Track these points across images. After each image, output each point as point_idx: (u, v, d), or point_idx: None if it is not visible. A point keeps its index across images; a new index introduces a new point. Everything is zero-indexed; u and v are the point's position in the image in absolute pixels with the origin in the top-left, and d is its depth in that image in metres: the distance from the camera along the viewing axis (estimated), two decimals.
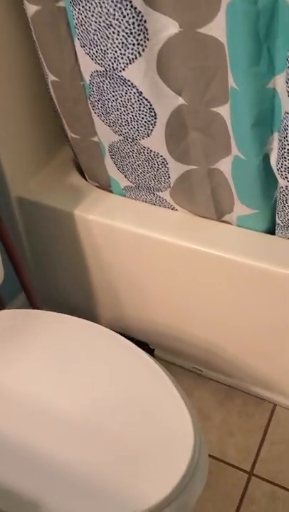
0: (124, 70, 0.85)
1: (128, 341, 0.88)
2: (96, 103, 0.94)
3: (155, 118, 0.90)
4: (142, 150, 0.97)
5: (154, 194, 1.05)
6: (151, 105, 0.88)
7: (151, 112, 0.89)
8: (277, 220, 0.96)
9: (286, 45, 0.72)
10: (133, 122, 0.92)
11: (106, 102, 0.92)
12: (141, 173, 1.02)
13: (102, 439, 0.75)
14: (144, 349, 1.21)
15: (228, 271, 0.97)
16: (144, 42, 0.80)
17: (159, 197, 1.05)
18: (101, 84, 0.90)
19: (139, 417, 0.76)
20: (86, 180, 1.16)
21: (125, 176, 1.05)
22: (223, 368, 1.15)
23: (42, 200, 1.11)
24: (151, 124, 0.91)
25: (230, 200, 0.99)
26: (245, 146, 0.85)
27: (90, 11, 0.80)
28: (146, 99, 0.88)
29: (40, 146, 1.16)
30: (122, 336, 0.88)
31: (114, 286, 1.16)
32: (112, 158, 1.03)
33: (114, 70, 0.86)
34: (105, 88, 0.90)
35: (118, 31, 0.80)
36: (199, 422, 0.79)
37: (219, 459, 1.04)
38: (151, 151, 0.96)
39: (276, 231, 0.98)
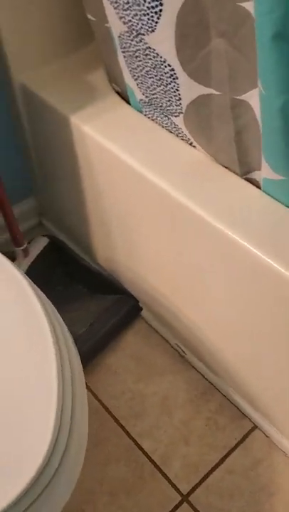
0: None
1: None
2: None
3: (160, 3, 0.61)
4: (148, 51, 0.68)
5: (168, 118, 0.78)
6: None
7: None
8: None
9: None
10: (134, 6, 0.64)
11: None
12: (151, 84, 0.74)
13: None
14: (133, 305, 1.01)
15: (228, 252, 0.69)
16: None
17: (174, 123, 0.77)
18: None
19: None
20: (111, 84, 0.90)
21: (137, 85, 0.78)
22: (208, 360, 0.91)
23: (43, 94, 0.88)
24: (156, 13, 0.62)
25: (259, 153, 0.69)
26: (265, 72, 0.54)
27: None
28: None
29: (65, 29, 0.91)
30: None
31: (107, 221, 0.93)
32: (124, 56, 0.76)
33: None
34: None
35: None
36: (82, 388, 0.58)
37: (158, 466, 0.84)
38: (157, 54, 0.67)
39: None
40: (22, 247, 0.96)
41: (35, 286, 0.65)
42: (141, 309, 1.00)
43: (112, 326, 0.97)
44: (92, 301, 1.02)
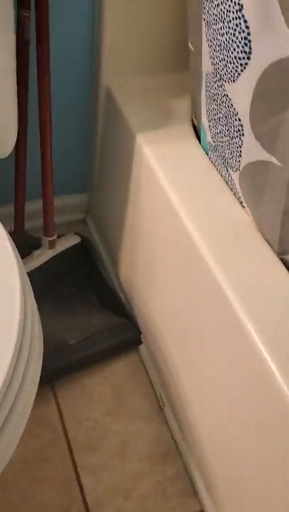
0: None
1: None
2: (205, 3, 0.63)
3: (248, 57, 0.57)
4: (224, 98, 0.65)
5: (227, 169, 0.73)
6: (248, 34, 0.55)
7: (245, 45, 0.56)
8: None
9: None
10: (224, 51, 0.60)
11: (211, 5, 0.61)
12: (220, 131, 0.70)
13: None
14: (134, 335, 0.97)
15: (233, 336, 0.64)
16: None
17: (231, 177, 0.73)
18: None
19: None
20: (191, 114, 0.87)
21: (209, 127, 0.74)
22: (183, 424, 0.85)
23: (122, 104, 0.87)
24: (241, 65, 0.58)
25: None
26: None
27: None
28: (245, 22, 0.55)
29: (165, 49, 0.89)
30: None
31: (136, 244, 0.90)
32: (205, 94, 0.73)
33: None
34: None
35: None
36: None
37: (88, 509, 0.80)
38: (232, 105, 0.63)
39: None
40: (50, 238, 0.95)
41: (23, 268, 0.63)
42: (140, 343, 0.96)
43: (105, 347, 0.94)
44: (97, 314, 0.99)
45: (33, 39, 0.78)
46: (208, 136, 0.77)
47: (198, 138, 0.83)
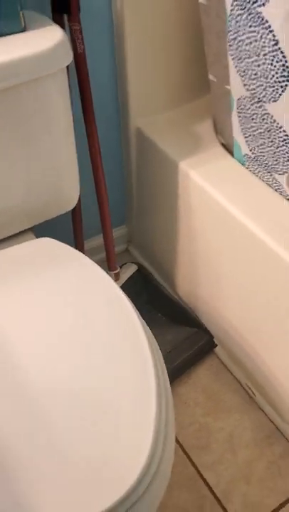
0: (263, 4, 0.64)
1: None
2: (232, 42, 0.74)
3: (287, 80, 0.68)
4: (265, 116, 0.76)
5: (271, 174, 0.84)
6: (286, 62, 0.66)
7: (284, 70, 0.67)
8: None
9: None
10: (262, 78, 0.71)
11: (240, 43, 0.72)
12: (261, 144, 0.81)
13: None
14: (208, 341, 1.06)
15: None
16: None
17: (276, 180, 0.83)
18: (239, 18, 0.70)
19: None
20: (216, 134, 0.98)
21: (246, 142, 0.85)
22: (277, 405, 0.94)
23: (155, 139, 0.98)
24: (281, 87, 0.69)
25: None
26: None
27: None
28: (282, 53, 0.66)
29: (180, 84, 1.01)
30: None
31: (195, 259, 1.00)
32: (238, 115, 0.83)
33: (253, 1, 0.65)
34: (242, 25, 0.70)
35: None
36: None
37: (220, 500, 0.88)
38: (274, 120, 0.74)
39: None
40: (115, 271, 1.04)
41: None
42: (215, 346, 1.05)
43: (186, 357, 1.03)
44: (169, 330, 1.08)
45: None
46: (244, 150, 0.87)
47: (229, 153, 0.94)
